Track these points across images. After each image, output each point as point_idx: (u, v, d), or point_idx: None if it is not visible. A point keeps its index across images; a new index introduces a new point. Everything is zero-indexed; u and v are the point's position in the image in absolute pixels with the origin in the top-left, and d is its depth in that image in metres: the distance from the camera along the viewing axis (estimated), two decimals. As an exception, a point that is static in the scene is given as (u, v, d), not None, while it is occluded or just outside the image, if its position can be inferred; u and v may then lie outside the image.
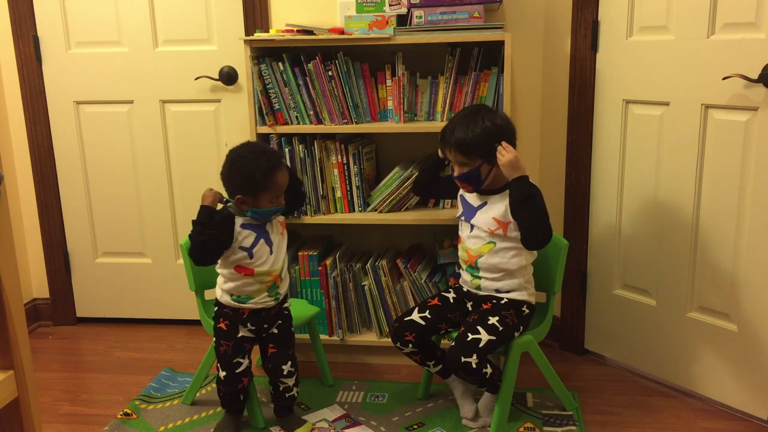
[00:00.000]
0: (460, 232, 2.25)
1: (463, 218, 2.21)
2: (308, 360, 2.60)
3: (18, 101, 2.95)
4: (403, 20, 2.45)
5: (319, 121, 2.50)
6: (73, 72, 2.92)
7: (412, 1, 2.39)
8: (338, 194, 2.57)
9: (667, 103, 2.31)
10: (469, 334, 2.04)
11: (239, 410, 2.25)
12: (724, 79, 2.10)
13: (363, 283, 2.60)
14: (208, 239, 2.01)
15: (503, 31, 2.35)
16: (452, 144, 2.09)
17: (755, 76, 2.04)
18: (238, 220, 2.07)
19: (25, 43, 2.88)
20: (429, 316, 2.21)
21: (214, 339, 2.18)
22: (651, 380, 2.53)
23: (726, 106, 2.16)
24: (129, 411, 2.39)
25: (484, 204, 2.15)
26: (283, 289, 2.18)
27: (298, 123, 2.52)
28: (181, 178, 2.97)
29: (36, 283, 3.15)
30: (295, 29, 2.45)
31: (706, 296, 2.31)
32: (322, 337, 2.60)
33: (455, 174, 2.13)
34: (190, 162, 2.95)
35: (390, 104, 2.49)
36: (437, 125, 2.49)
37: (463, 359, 2.01)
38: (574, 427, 2.23)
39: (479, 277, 2.17)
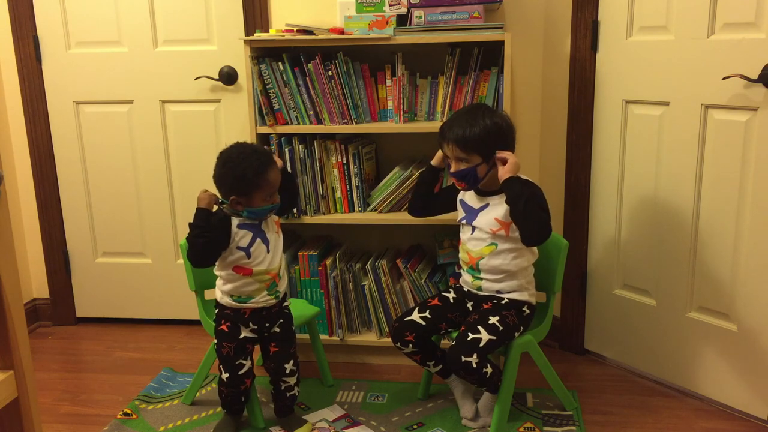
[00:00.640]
0: (461, 235, 2.25)
1: (464, 221, 2.21)
2: (308, 360, 2.60)
3: (18, 101, 2.95)
4: (403, 20, 2.45)
5: (319, 121, 2.50)
6: (73, 72, 2.92)
7: (411, 1, 2.39)
8: (338, 194, 2.57)
9: (667, 103, 2.31)
10: (469, 334, 2.04)
11: (239, 411, 2.25)
12: (724, 79, 2.10)
13: (363, 283, 2.60)
14: (206, 242, 2.02)
15: (503, 31, 2.35)
16: (451, 139, 2.09)
17: (755, 76, 2.04)
18: (235, 221, 2.07)
19: (25, 43, 2.88)
20: (429, 316, 2.21)
21: (215, 340, 2.18)
22: (651, 380, 2.53)
23: (726, 106, 2.16)
24: (129, 411, 2.39)
25: (486, 206, 2.15)
26: (282, 287, 2.18)
27: (298, 123, 2.52)
28: (181, 178, 2.97)
29: (36, 283, 3.15)
30: (294, 29, 2.45)
31: (706, 296, 2.31)
32: (322, 337, 2.60)
33: (452, 170, 2.13)
34: (190, 162, 2.95)
35: (390, 104, 2.49)
36: (437, 125, 2.48)
37: (463, 359, 2.01)
38: (573, 427, 2.23)
39: (480, 279, 2.17)
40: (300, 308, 2.46)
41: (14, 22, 2.86)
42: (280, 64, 2.44)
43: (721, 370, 2.30)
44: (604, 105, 2.51)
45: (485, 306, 2.15)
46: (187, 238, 2.06)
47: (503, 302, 2.15)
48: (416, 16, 2.41)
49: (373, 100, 2.53)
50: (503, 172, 2.06)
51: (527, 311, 2.18)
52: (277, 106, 2.50)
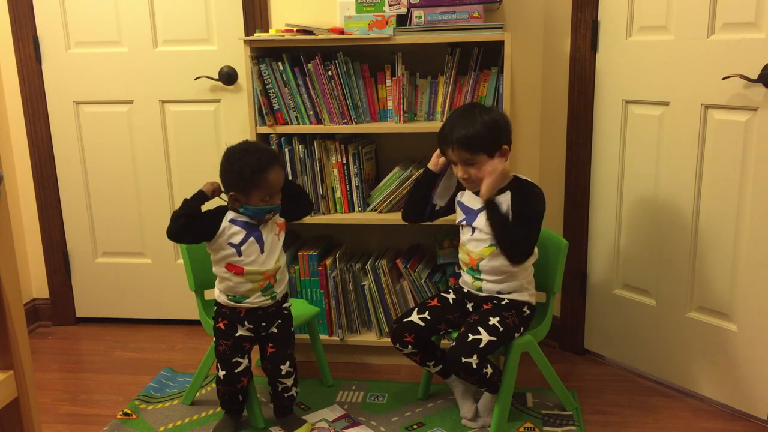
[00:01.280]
0: (461, 236, 2.24)
1: (464, 223, 2.21)
2: (308, 360, 2.61)
3: (18, 101, 2.95)
4: (402, 20, 2.45)
5: (319, 121, 2.50)
6: (72, 72, 2.92)
7: (411, 1, 2.39)
8: (338, 194, 2.57)
9: (666, 103, 2.31)
10: (469, 335, 2.04)
11: (239, 411, 2.25)
12: (723, 79, 2.10)
13: (363, 283, 2.60)
14: (186, 221, 2.06)
15: (503, 31, 2.35)
16: (455, 142, 2.07)
17: (755, 76, 2.04)
18: (229, 215, 2.08)
19: (24, 43, 2.88)
20: (428, 317, 2.21)
21: (213, 339, 2.19)
22: (651, 380, 2.53)
23: (726, 106, 2.16)
24: (129, 411, 2.39)
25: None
26: (280, 288, 2.17)
27: (298, 123, 2.52)
28: (180, 178, 2.97)
29: (36, 284, 3.15)
30: (294, 29, 2.45)
31: (705, 296, 2.31)
32: (322, 337, 2.60)
33: (459, 175, 2.12)
34: (189, 162, 2.95)
35: (390, 104, 2.49)
36: (437, 125, 2.48)
37: (463, 360, 2.01)
38: (573, 427, 2.23)
39: (481, 279, 2.17)
40: (300, 308, 2.46)
41: (14, 22, 2.86)
42: (279, 64, 2.44)
43: (721, 370, 2.30)
44: (604, 105, 2.51)
45: (485, 307, 2.15)
46: (174, 211, 2.09)
47: (503, 303, 2.14)
48: (416, 16, 2.41)
49: (372, 100, 2.53)
50: (481, 193, 2.06)
51: (527, 311, 2.18)
52: (277, 106, 2.50)
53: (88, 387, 2.62)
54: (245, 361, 2.14)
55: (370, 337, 2.64)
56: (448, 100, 2.49)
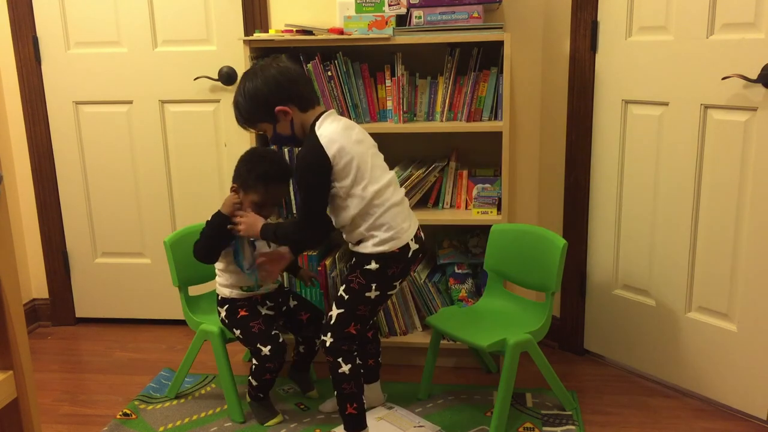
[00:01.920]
0: None
1: None
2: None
3: (17, 102, 2.95)
4: (402, 20, 2.45)
5: (319, 122, 2.49)
6: (72, 72, 2.92)
7: (411, 2, 2.40)
8: (338, 194, 2.57)
9: (666, 104, 2.31)
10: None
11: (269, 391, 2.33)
12: (723, 79, 2.10)
13: (362, 284, 2.60)
14: (207, 240, 2.20)
15: (502, 31, 2.36)
16: (240, 122, 2.06)
17: (754, 77, 2.04)
18: None
19: (24, 43, 2.88)
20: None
21: (248, 349, 2.29)
22: (651, 380, 2.53)
23: (725, 107, 2.16)
24: (128, 411, 2.39)
25: None
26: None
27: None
28: (180, 178, 2.97)
29: (35, 284, 3.15)
30: (294, 29, 2.45)
31: (705, 296, 2.31)
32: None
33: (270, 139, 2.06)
34: (189, 162, 2.95)
35: (389, 104, 2.49)
36: (437, 125, 2.50)
37: (321, 337, 2.06)
38: (573, 427, 2.23)
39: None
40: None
41: (14, 23, 2.86)
42: (279, 64, 2.44)
43: (720, 370, 2.30)
44: (604, 105, 2.51)
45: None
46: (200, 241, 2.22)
47: (353, 261, 2.07)
48: (416, 17, 2.41)
49: (372, 101, 2.53)
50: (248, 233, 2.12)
51: (374, 265, 1.98)
52: (276, 107, 2.50)
53: (88, 387, 2.62)
54: (279, 333, 2.24)
55: (369, 338, 2.63)
56: (447, 101, 2.49)
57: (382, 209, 1.96)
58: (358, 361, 2.05)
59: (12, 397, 1.33)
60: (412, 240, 2.02)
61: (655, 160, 2.37)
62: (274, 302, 2.31)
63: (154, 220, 3.02)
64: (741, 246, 2.18)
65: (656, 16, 2.29)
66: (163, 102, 2.91)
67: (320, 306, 2.57)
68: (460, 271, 2.57)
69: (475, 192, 2.51)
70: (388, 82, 2.48)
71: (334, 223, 2.05)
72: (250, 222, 2.11)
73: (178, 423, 2.31)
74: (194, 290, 2.49)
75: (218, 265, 2.26)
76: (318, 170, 1.92)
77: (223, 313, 2.28)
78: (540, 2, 2.60)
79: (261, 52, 2.48)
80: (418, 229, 2.09)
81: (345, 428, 2.07)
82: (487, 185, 2.50)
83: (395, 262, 2.00)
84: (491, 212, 2.48)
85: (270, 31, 2.57)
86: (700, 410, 2.34)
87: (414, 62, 2.51)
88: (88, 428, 2.32)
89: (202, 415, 2.36)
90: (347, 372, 2.02)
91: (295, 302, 2.37)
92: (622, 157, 2.48)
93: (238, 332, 2.25)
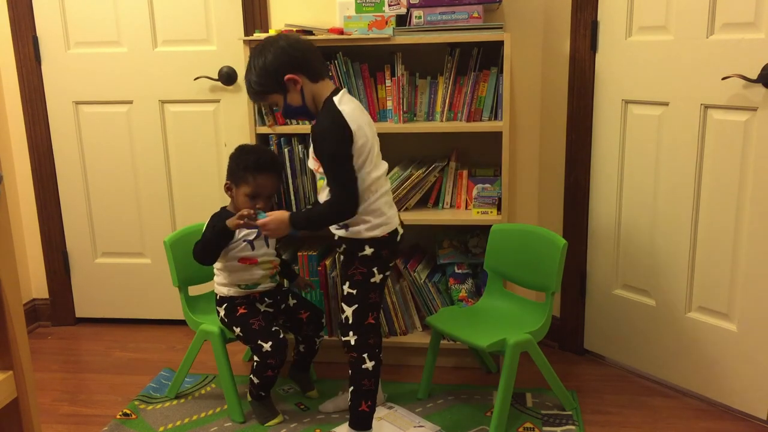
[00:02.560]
0: None
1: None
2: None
3: (17, 102, 2.95)
4: (402, 20, 2.45)
5: (319, 122, 2.49)
6: (72, 72, 2.92)
7: (411, 2, 2.40)
8: (338, 194, 2.57)
9: (666, 103, 2.31)
10: (341, 315, 2.09)
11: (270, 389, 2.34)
12: (723, 79, 2.10)
13: (362, 284, 2.59)
14: (208, 244, 2.21)
15: (502, 31, 2.36)
16: (251, 95, 2.05)
17: (754, 77, 2.04)
18: None
19: (24, 43, 2.88)
20: None
21: (249, 348, 2.29)
22: (651, 380, 2.53)
23: (725, 106, 2.16)
24: (128, 411, 2.39)
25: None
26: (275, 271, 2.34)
27: (297, 123, 2.51)
28: (180, 178, 2.97)
29: (35, 284, 3.15)
30: (294, 29, 2.45)
31: (705, 296, 2.31)
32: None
33: (282, 113, 2.05)
34: (189, 162, 2.95)
35: (389, 104, 2.49)
36: (437, 125, 2.50)
37: (343, 339, 2.09)
38: (573, 427, 2.23)
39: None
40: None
41: (13, 23, 2.86)
42: (279, 64, 2.44)
43: (720, 370, 2.30)
44: (604, 105, 2.51)
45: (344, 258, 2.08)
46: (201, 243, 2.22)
47: (343, 248, 2.05)
48: (416, 16, 2.41)
49: (372, 101, 2.52)
50: (275, 233, 2.07)
51: (369, 250, 2.00)
52: (276, 107, 2.50)
53: (88, 387, 2.62)
54: (280, 330, 2.25)
55: (369, 338, 2.63)
56: (447, 101, 2.49)
57: (376, 195, 1.98)
58: (380, 360, 2.08)
59: (12, 397, 1.33)
60: (399, 225, 2.08)
61: (655, 160, 2.37)
62: (272, 300, 2.32)
63: (154, 220, 3.02)
64: (741, 246, 2.18)
65: (656, 16, 2.29)
66: (163, 102, 2.91)
67: (320, 306, 2.57)
68: (460, 271, 2.57)
69: (475, 192, 2.51)
70: (388, 82, 2.48)
71: (319, 200, 2.04)
72: (277, 220, 2.01)
73: (178, 423, 2.31)
74: (194, 290, 2.49)
75: (216, 264, 2.27)
76: (342, 139, 1.88)
77: (222, 312, 2.28)
78: (540, 2, 2.60)
79: (261, 52, 2.48)
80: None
81: (352, 426, 2.07)
82: (487, 185, 2.50)
83: (385, 246, 2.03)
84: (491, 212, 2.48)
85: (270, 31, 2.56)
86: (700, 410, 2.34)
87: (414, 62, 2.51)
88: (88, 428, 2.32)
89: (202, 415, 2.36)
90: (370, 369, 2.05)
91: (294, 301, 2.37)
92: (622, 157, 2.48)
93: (238, 330, 2.25)
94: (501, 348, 2.15)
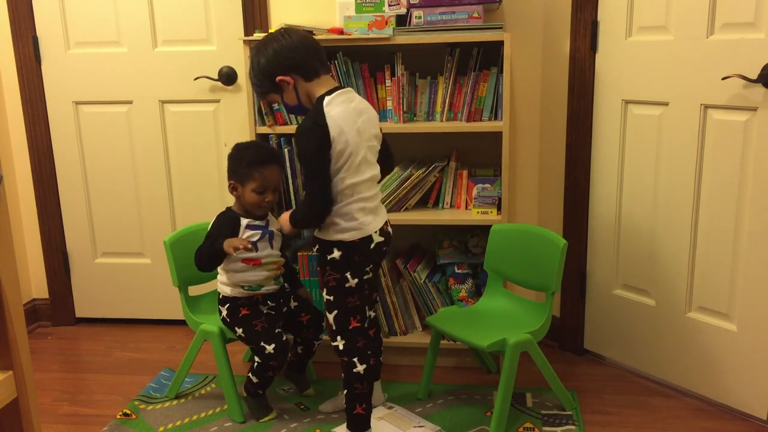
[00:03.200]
0: None
1: None
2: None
3: (17, 102, 2.95)
4: (402, 20, 2.45)
5: (319, 122, 2.49)
6: (72, 72, 2.92)
7: (411, 2, 2.40)
8: (338, 194, 2.57)
9: (666, 103, 2.31)
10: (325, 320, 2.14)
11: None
12: (723, 79, 2.10)
13: (362, 284, 2.59)
14: (203, 255, 2.22)
15: (502, 31, 2.36)
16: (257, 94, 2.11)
17: (754, 76, 2.04)
18: (243, 221, 2.22)
19: (24, 43, 2.88)
20: None
21: (249, 348, 2.31)
22: (650, 380, 2.53)
23: (725, 106, 2.16)
24: (128, 411, 2.39)
25: None
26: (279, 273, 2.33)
27: (298, 122, 2.51)
28: (180, 178, 2.97)
29: (35, 284, 3.15)
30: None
31: (705, 296, 2.31)
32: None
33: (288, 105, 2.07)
34: (189, 162, 2.95)
35: (389, 104, 2.49)
36: (437, 125, 2.50)
37: (333, 344, 2.09)
38: (573, 427, 2.23)
39: None
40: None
41: (14, 23, 2.86)
42: (279, 64, 2.44)
43: (720, 370, 2.31)
44: (604, 105, 2.51)
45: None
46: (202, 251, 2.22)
47: (316, 248, 2.07)
48: (416, 17, 2.41)
49: (372, 101, 2.52)
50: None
51: (338, 252, 2.00)
52: (276, 107, 2.50)
53: (88, 387, 2.62)
54: (283, 332, 2.27)
55: (369, 338, 2.63)
56: (447, 101, 2.49)
57: (349, 199, 1.97)
58: (372, 362, 2.07)
59: (12, 397, 1.32)
60: (376, 233, 2.02)
61: (655, 160, 2.37)
62: (275, 302, 2.32)
63: (154, 220, 3.02)
64: (741, 246, 2.18)
65: (656, 16, 2.29)
66: (163, 102, 2.91)
67: (320, 306, 2.57)
68: (460, 271, 2.57)
69: (475, 192, 2.51)
70: (388, 82, 2.48)
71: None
72: (283, 220, 2.13)
73: (178, 423, 2.31)
74: (194, 290, 2.49)
75: (225, 269, 2.26)
76: (319, 141, 1.90)
77: (225, 312, 2.28)
78: (540, 2, 2.60)
79: (261, 52, 2.48)
80: (386, 223, 2.09)
81: (350, 428, 2.07)
82: (487, 185, 2.50)
83: (357, 252, 2.00)
84: (491, 212, 2.48)
85: (270, 31, 2.56)
86: (700, 410, 2.34)
87: (414, 62, 2.51)
88: (88, 428, 2.32)
89: (202, 415, 2.36)
90: (362, 372, 2.04)
91: (296, 303, 2.37)
92: (622, 157, 2.48)
93: (240, 331, 2.25)
94: (501, 348, 2.15)
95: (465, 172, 2.57)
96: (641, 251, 2.47)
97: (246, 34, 2.70)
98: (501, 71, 2.38)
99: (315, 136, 1.90)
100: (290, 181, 2.53)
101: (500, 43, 2.34)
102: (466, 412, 2.32)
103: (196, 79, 2.82)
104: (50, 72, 2.93)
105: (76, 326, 3.16)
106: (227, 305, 2.28)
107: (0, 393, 1.29)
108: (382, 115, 2.53)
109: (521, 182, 2.77)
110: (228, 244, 2.11)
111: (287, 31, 2.00)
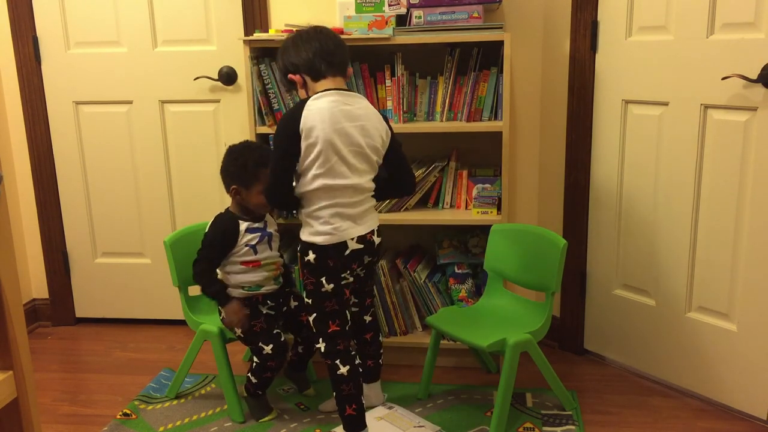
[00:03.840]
0: None
1: None
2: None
3: (17, 102, 2.95)
4: (402, 20, 2.45)
5: (319, 122, 2.49)
6: (72, 72, 2.92)
7: (411, 1, 2.40)
8: (338, 194, 2.56)
9: (666, 103, 2.31)
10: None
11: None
12: (723, 79, 2.10)
13: (362, 284, 2.59)
14: (200, 281, 2.26)
15: (502, 31, 2.36)
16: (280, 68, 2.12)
17: (754, 76, 2.04)
18: (243, 224, 2.21)
19: (24, 43, 2.88)
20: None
21: (249, 348, 2.31)
22: (650, 380, 2.53)
23: (725, 106, 2.16)
24: (128, 411, 2.39)
25: None
26: (279, 273, 2.33)
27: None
28: (180, 178, 2.97)
29: (35, 284, 3.15)
30: (294, 29, 2.44)
31: (705, 296, 2.31)
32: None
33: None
34: (189, 162, 2.95)
35: (389, 104, 2.49)
36: (437, 125, 2.50)
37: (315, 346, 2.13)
38: (573, 427, 2.23)
39: None
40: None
41: (13, 23, 2.86)
42: (279, 64, 2.44)
43: (720, 370, 2.31)
44: (604, 105, 2.51)
45: None
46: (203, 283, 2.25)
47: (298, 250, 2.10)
48: (416, 16, 2.41)
49: (372, 100, 2.52)
50: None
51: (312, 255, 2.01)
52: (276, 106, 2.50)
53: (88, 387, 2.62)
54: (282, 333, 2.28)
55: (369, 338, 2.63)
56: (447, 101, 2.49)
57: (325, 203, 1.97)
58: (356, 362, 2.06)
59: (12, 397, 1.32)
60: (353, 239, 2.01)
61: (655, 160, 2.38)
62: (275, 302, 2.31)
63: (154, 220, 3.02)
64: (741, 246, 2.18)
65: (656, 16, 2.29)
66: (163, 102, 2.91)
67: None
68: (460, 271, 2.57)
69: (475, 192, 2.51)
70: (388, 82, 2.48)
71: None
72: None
73: (178, 423, 2.31)
74: (194, 290, 2.48)
75: (224, 271, 2.27)
76: (285, 133, 1.96)
77: (224, 312, 2.28)
78: (540, 2, 2.60)
79: (261, 52, 2.49)
80: (371, 232, 2.07)
81: (345, 429, 2.07)
82: (487, 185, 2.50)
83: (329, 257, 2.00)
84: (491, 212, 2.48)
85: (270, 31, 2.57)
86: (700, 410, 2.34)
87: (414, 62, 2.51)
88: (88, 428, 2.32)
89: (202, 415, 2.36)
90: (345, 374, 2.03)
91: (296, 303, 2.37)
92: (622, 157, 2.48)
93: (239, 331, 2.25)
94: (501, 348, 2.15)
95: (465, 172, 2.57)
96: (641, 251, 2.47)
97: (246, 34, 2.70)
98: (501, 71, 2.38)
99: (284, 124, 1.99)
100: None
101: (500, 43, 2.34)
102: (466, 412, 2.32)
103: (196, 79, 2.82)
104: (50, 72, 2.93)
105: (76, 326, 3.16)
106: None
107: (0, 393, 1.29)
108: (382, 115, 2.52)
109: (521, 182, 2.77)
110: (228, 323, 2.23)
111: (306, 31, 2.06)
